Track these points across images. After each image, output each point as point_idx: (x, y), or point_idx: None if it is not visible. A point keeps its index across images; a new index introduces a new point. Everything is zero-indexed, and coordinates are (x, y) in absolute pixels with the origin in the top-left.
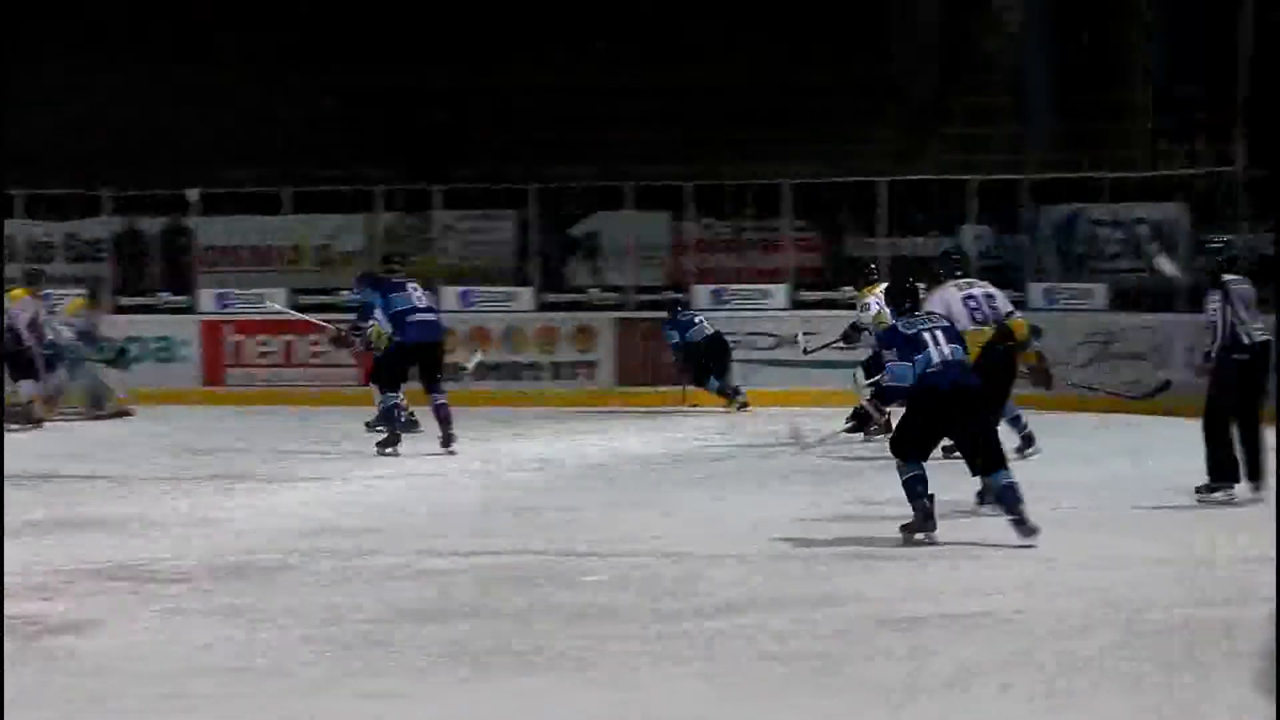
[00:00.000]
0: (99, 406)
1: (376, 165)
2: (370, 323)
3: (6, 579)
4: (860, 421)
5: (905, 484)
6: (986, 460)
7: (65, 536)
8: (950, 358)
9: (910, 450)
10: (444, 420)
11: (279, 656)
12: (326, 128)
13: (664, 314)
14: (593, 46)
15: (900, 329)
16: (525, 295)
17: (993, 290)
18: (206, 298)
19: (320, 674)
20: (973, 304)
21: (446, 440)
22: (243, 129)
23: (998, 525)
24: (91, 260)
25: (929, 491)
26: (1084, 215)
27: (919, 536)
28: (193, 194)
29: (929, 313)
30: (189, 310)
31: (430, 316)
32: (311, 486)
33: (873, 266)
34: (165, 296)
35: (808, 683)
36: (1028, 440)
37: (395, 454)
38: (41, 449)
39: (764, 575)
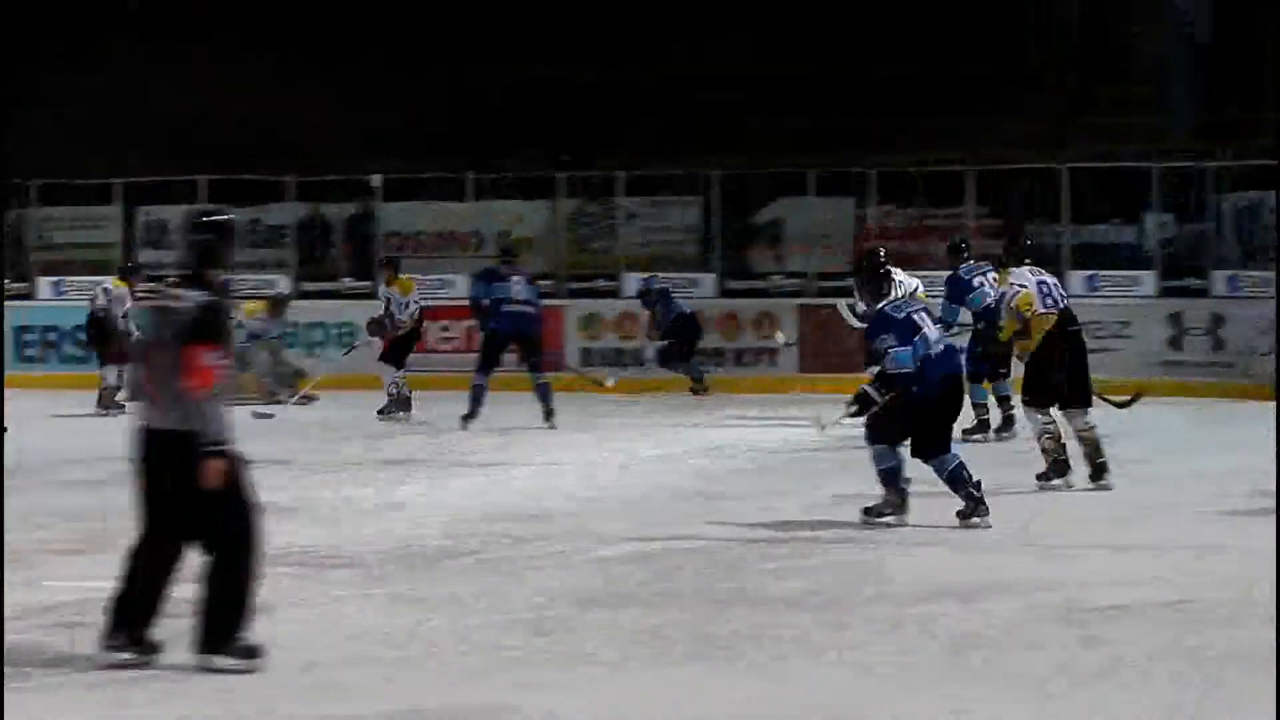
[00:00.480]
0: (279, 392)
1: (560, 151)
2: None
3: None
4: (862, 405)
5: (882, 471)
6: (945, 443)
7: None
8: (944, 344)
9: (895, 436)
10: (544, 398)
11: (441, 644)
12: (508, 115)
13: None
14: (773, 33)
15: (891, 313)
16: (708, 281)
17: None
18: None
19: (481, 662)
20: (1045, 289)
21: (547, 414)
22: (426, 116)
23: (1162, 519)
24: (275, 246)
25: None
26: (1265, 203)
27: (889, 519)
28: (376, 180)
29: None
30: (372, 296)
31: (526, 309)
32: (487, 473)
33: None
34: (348, 282)
35: (961, 672)
36: (1009, 421)
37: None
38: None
39: (936, 564)
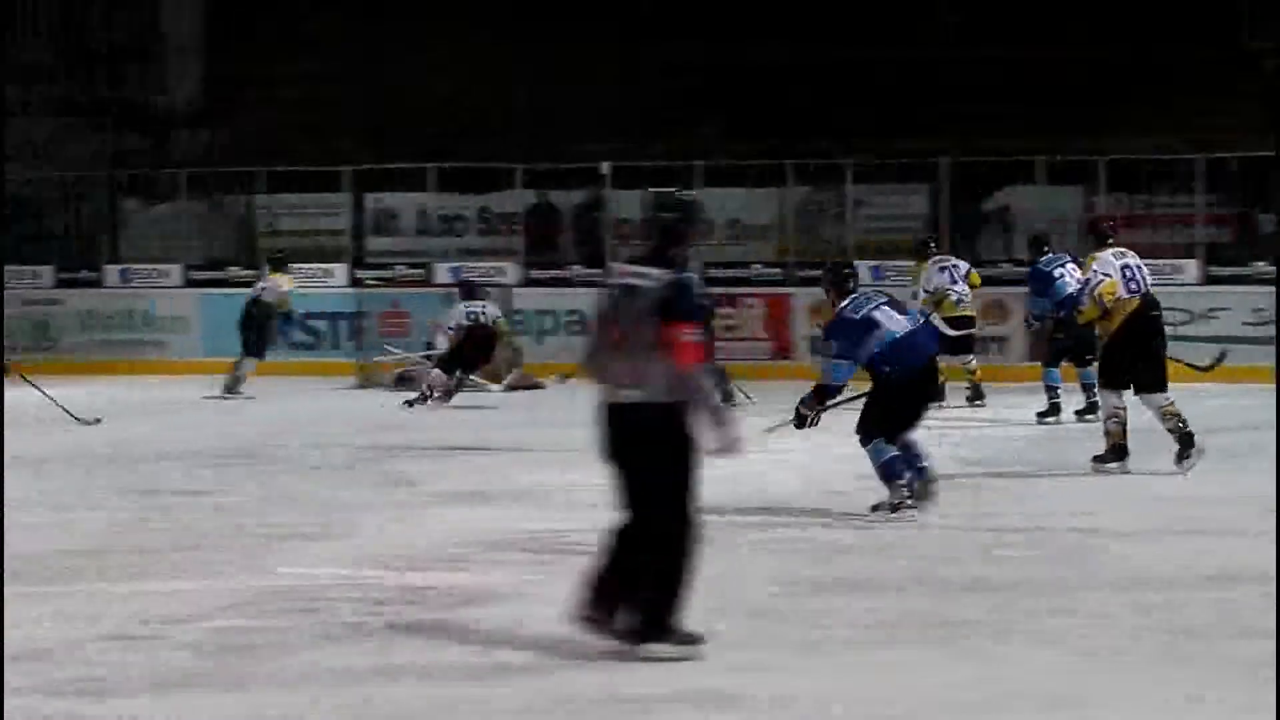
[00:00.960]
0: (501, 379)
1: (788, 138)
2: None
3: (415, 549)
4: (798, 420)
5: (884, 465)
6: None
7: (474, 508)
8: (911, 326)
9: (890, 431)
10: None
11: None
12: (733, 100)
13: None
14: (999, 18)
15: (848, 315)
16: None
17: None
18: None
19: (706, 648)
20: (1129, 273)
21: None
22: (656, 103)
23: None
24: (503, 234)
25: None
26: None
27: (895, 516)
28: (605, 167)
29: (864, 292)
30: (601, 284)
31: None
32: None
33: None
34: (577, 270)
35: (1185, 657)
36: (1092, 407)
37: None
38: (450, 421)
39: (1159, 550)
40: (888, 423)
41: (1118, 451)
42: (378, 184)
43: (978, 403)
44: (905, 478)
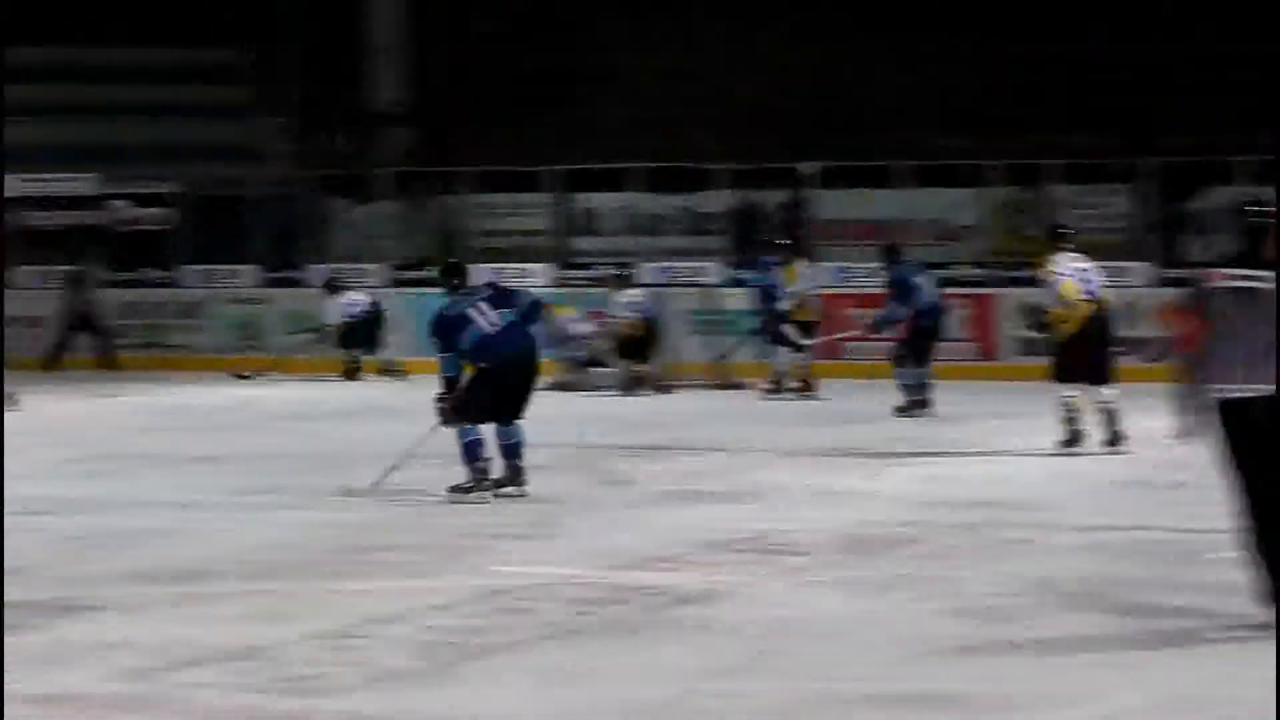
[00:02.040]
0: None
1: (991, 138)
2: None
3: (630, 548)
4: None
5: (468, 446)
6: (518, 413)
7: (689, 507)
8: (501, 324)
9: (476, 416)
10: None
11: (890, 630)
12: (947, 100)
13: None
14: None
15: (445, 313)
16: (1141, 271)
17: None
18: (825, 271)
19: (928, 649)
20: (1080, 276)
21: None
22: (852, 104)
23: None
24: (707, 234)
25: (487, 455)
26: None
27: (473, 496)
28: (808, 168)
29: (471, 287)
30: None
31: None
32: (933, 461)
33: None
34: None
35: None
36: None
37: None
38: (665, 418)
39: None
40: (475, 409)
41: (1076, 437)
42: (581, 184)
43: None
44: (483, 460)
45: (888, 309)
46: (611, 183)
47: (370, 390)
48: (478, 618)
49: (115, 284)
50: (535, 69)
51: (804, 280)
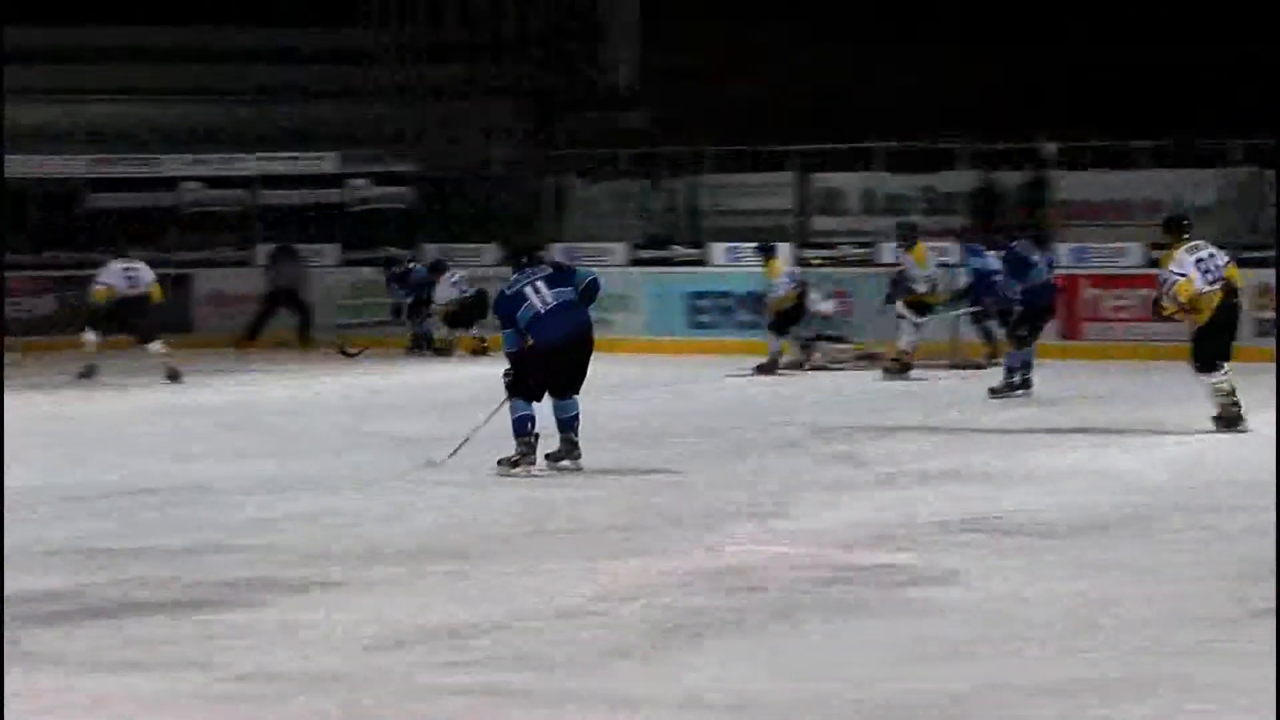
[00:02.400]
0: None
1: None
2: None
3: (862, 528)
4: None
5: (517, 421)
6: (574, 389)
7: (921, 488)
8: (554, 302)
9: (528, 392)
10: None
11: (1123, 611)
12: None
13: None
14: None
15: (505, 291)
16: None
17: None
18: (1064, 251)
19: (1164, 632)
20: (1203, 266)
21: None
22: (1099, 84)
23: None
24: (948, 214)
25: (535, 430)
26: None
27: (518, 470)
28: (1050, 148)
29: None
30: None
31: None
32: (1155, 442)
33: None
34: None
35: None
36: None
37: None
38: (897, 399)
39: None
40: (529, 387)
41: (1235, 419)
42: (822, 164)
43: None
44: (531, 436)
45: (1001, 285)
46: (852, 163)
47: (609, 369)
48: (706, 596)
49: (352, 263)
50: (782, 49)
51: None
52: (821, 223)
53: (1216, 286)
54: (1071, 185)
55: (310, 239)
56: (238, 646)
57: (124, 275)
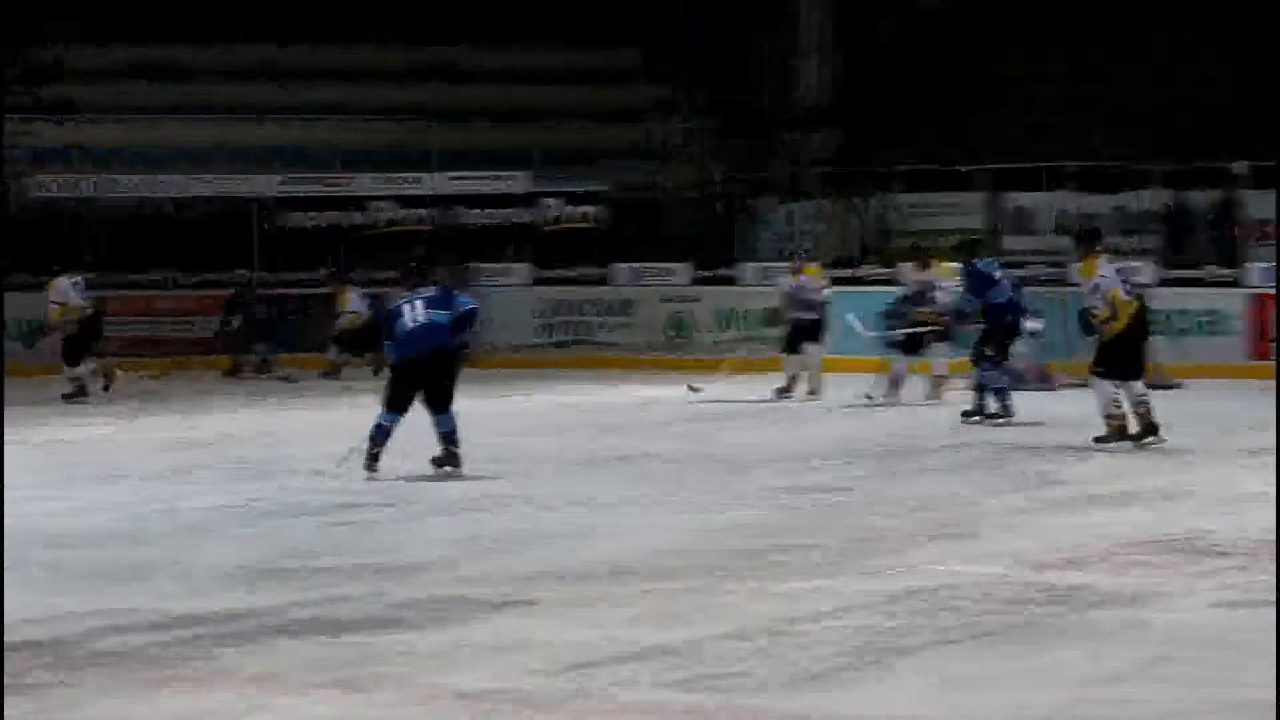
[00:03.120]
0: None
1: None
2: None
3: (1059, 549)
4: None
5: (375, 427)
6: (442, 405)
7: (1120, 509)
8: (424, 321)
9: (393, 404)
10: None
11: None
12: None
13: None
14: None
15: (392, 307)
16: None
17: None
18: (1254, 271)
19: None
20: (1121, 276)
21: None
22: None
23: None
24: (1140, 233)
25: (388, 438)
26: None
27: (377, 472)
28: (1241, 167)
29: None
30: (1236, 284)
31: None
32: None
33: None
34: (1212, 270)
35: None
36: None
37: None
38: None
39: None
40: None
41: (1120, 433)
42: (1012, 183)
43: None
44: (383, 443)
45: (960, 300)
46: (1041, 183)
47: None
48: (906, 617)
49: (543, 281)
50: (957, 70)
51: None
52: (1012, 242)
53: (1132, 296)
54: (1261, 204)
55: (500, 259)
56: (437, 666)
57: (76, 290)
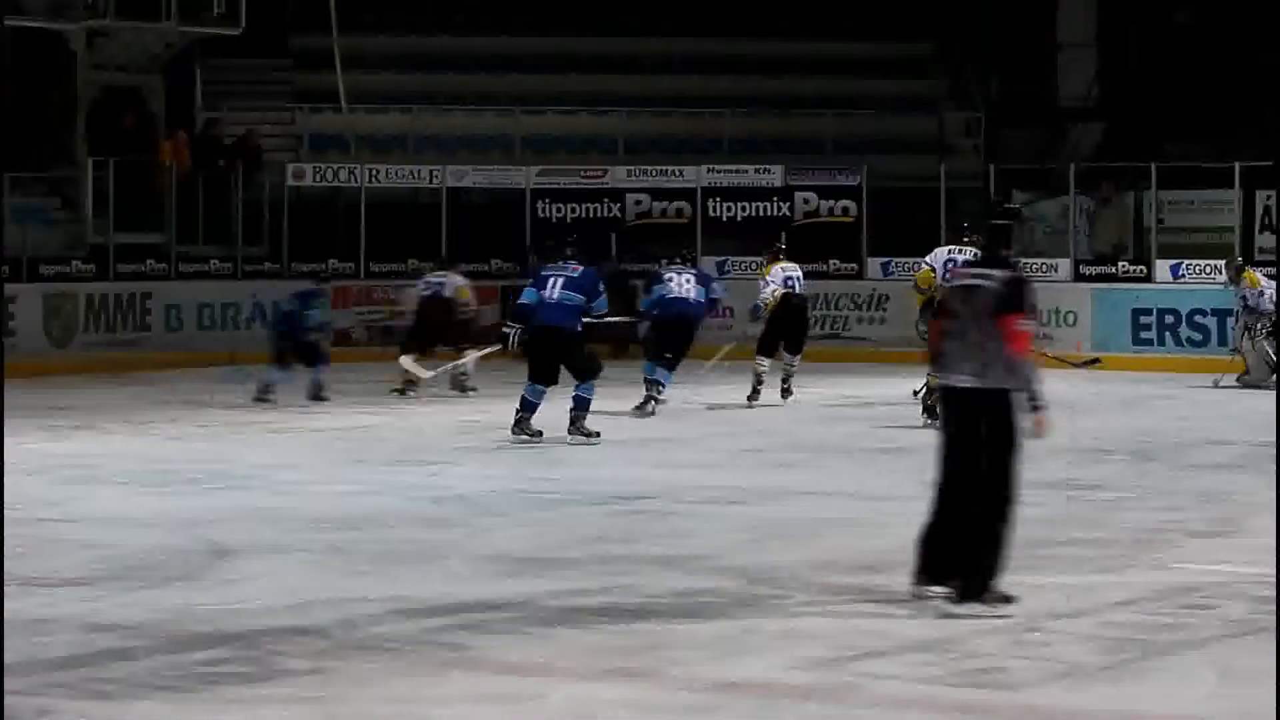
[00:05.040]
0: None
1: None
2: None
3: None
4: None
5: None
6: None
7: None
8: (553, 298)
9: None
10: None
11: None
12: None
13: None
14: None
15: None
16: None
17: None
18: None
19: None
20: (785, 274)
21: None
22: None
23: None
24: None
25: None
26: None
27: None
28: None
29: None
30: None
31: None
32: None
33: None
34: None
35: None
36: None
37: None
38: None
39: None
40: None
41: (756, 394)
42: (1267, 180)
43: None
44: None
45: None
46: None
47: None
48: (1160, 614)
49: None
50: (1230, 63)
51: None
52: (1267, 240)
53: (787, 290)
54: None
55: (754, 251)
56: (722, 655)
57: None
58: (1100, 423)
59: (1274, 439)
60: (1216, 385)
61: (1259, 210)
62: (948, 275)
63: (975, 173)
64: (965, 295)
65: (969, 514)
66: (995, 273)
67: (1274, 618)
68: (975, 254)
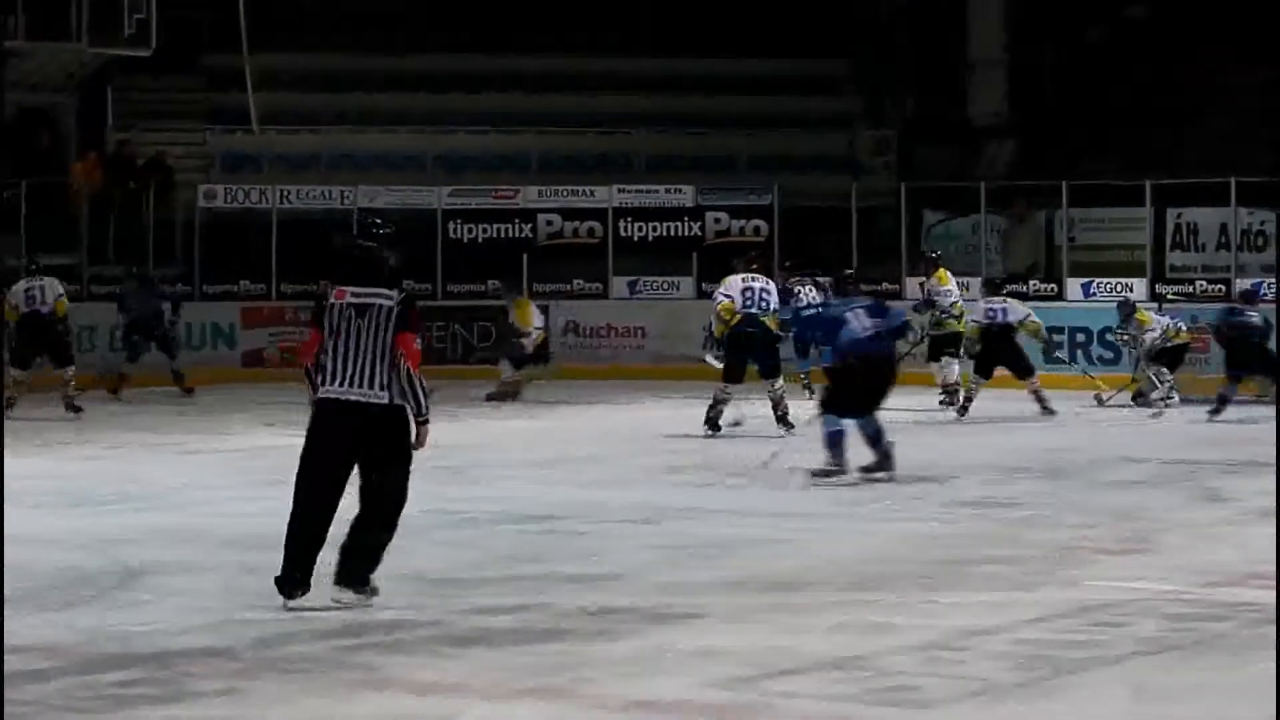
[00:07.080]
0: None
1: None
2: None
3: (1225, 566)
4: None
5: (830, 435)
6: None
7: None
8: (872, 330)
9: (841, 409)
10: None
11: None
12: None
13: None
14: None
15: (820, 314)
16: None
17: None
18: None
19: None
20: (748, 294)
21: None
22: None
23: None
24: None
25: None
26: None
27: (830, 480)
28: None
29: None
30: None
31: None
32: None
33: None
34: None
35: None
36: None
37: None
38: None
39: None
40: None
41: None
42: (1178, 198)
43: None
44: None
45: None
46: (1209, 198)
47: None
48: (1073, 632)
49: (706, 295)
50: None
51: None
52: (1177, 258)
53: (746, 310)
54: None
55: (665, 271)
56: (636, 674)
57: (24, 294)
58: (1014, 440)
59: (1185, 458)
60: (1102, 404)
61: (1170, 228)
62: (746, 303)
63: (888, 191)
64: (358, 315)
65: (374, 522)
66: (387, 292)
67: (1188, 635)
68: (767, 281)
